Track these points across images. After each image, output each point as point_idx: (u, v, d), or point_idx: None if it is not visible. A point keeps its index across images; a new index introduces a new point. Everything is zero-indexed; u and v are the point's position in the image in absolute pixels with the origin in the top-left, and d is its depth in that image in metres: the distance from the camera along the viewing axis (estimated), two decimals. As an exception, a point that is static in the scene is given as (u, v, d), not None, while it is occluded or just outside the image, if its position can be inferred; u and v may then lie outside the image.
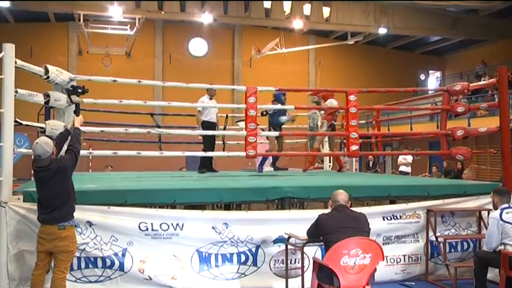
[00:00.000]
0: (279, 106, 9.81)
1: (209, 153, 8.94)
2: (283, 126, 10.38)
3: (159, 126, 10.53)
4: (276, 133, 9.31)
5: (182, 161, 16.94)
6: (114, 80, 7.32)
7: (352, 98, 8.19)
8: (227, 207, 7.70)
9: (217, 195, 6.63)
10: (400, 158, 17.98)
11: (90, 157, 18.17)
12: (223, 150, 10.12)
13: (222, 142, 10.51)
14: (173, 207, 6.65)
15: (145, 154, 7.57)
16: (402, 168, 17.75)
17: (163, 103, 9.12)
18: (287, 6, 23.64)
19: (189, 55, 27.86)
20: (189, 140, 11.77)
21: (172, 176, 9.59)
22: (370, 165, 19.50)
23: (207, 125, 9.46)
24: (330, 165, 12.96)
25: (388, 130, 20.99)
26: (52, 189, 5.05)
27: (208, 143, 9.55)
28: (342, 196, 5.28)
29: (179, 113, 12.11)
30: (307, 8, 23.73)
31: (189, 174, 10.26)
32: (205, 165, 9.91)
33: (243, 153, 7.79)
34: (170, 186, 6.97)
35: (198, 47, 28.12)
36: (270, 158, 11.95)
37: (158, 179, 8.74)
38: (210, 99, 9.58)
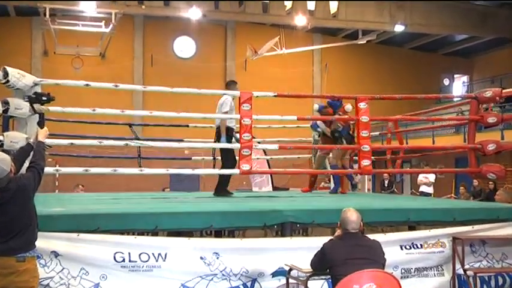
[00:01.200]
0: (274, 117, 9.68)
1: (200, 171, 8.92)
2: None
3: (138, 139, 10.50)
4: (275, 146, 9.29)
5: (165, 180, 16.90)
6: (87, 85, 7.32)
7: (362, 105, 8.21)
8: (218, 234, 7.64)
9: (206, 219, 6.59)
10: (421, 177, 17.95)
11: (57, 175, 18.13)
12: (213, 167, 10.10)
13: (212, 158, 10.51)
14: (155, 234, 6.60)
15: (123, 172, 7.54)
16: (423, 188, 17.74)
17: (144, 112, 9.14)
18: (288, -1, 23.83)
19: (173, 56, 27.94)
20: (174, 155, 11.75)
21: (154, 198, 9.54)
22: (386, 185, 19.49)
23: (232, 134, 9.07)
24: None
25: (406, 144, 21.05)
26: (10, 214, 4.94)
27: (233, 158, 9.03)
28: (352, 218, 5.24)
29: (162, 123, 12.12)
30: (311, 2, 23.75)
31: (174, 195, 10.22)
32: (226, 185, 9.51)
33: (237, 170, 7.76)
34: (151, 209, 6.93)
35: (184, 47, 28.23)
36: (268, 177, 11.95)
37: (137, 201, 8.70)
38: (233, 98, 9.16)
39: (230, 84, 9.46)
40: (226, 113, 8.93)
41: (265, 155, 12.02)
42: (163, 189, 15.01)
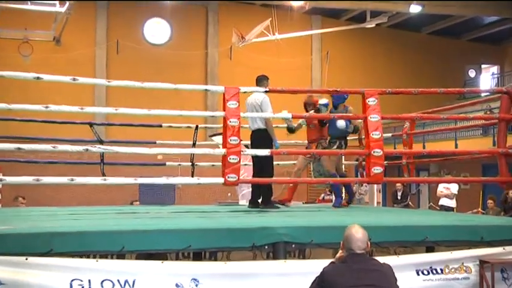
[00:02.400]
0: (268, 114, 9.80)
1: (176, 180, 8.88)
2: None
3: (101, 142, 10.47)
4: (265, 151, 9.29)
5: (134, 191, 16.85)
6: (37, 77, 7.28)
7: (371, 101, 8.21)
8: (197, 256, 7.62)
9: (183, 239, 6.57)
10: (441, 188, 18.03)
11: (0, 185, 18.02)
12: (192, 176, 10.08)
13: (191, 164, 10.49)
14: (121, 256, 6.57)
15: (82, 181, 7.50)
16: (444, 201, 17.81)
17: (108, 109, 9.10)
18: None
19: (144, 42, 27.95)
20: (144, 160, 11.72)
21: (120, 213, 9.51)
22: (399, 197, 19.55)
23: (267, 135, 9.38)
24: (342, 197, 12.94)
25: (424, 147, 21.13)
26: None
27: (272, 164, 9.51)
28: (358, 236, 5.22)
29: (130, 123, 12.08)
30: (309, -23, 23.99)
31: (144, 209, 10.18)
32: (270, 196, 9.80)
33: (221, 180, 7.75)
34: (117, 226, 6.90)
35: (157, 31, 28.24)
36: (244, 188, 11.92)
37: (100, 217, 8.66)
38: (267, 92, 9.41)
39: (262, 80, 9.54)
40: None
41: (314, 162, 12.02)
42: (132, 202, 14.96)
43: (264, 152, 8.89)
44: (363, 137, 9.64)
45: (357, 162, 12.13)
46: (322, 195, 21.59)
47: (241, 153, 7.97)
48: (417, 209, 21.98)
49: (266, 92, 8.65)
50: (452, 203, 17.76)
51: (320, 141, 10.88)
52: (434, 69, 30.31)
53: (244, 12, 27.18)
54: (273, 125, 9.58)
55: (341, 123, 10.25)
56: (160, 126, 11.35)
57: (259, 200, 9.81)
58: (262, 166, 9.49)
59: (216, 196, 19.52)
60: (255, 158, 9.53)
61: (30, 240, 6.10)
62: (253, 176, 9.68)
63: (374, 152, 8.17)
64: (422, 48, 30.86)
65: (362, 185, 20.26)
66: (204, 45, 28.61)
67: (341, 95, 10.37)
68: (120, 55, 27.11)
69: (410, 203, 20.01)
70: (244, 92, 8.03)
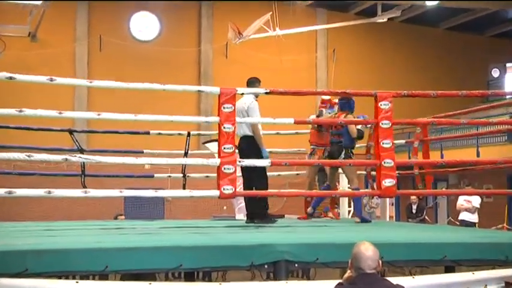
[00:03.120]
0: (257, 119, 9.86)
1: (166, 193, 8.89)
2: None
3: (82, 150, 10.48)
4: (266, 162, 9.30)
5: (119, 204, 16.85)
6: (10, 77, 7.29)
7: (384, 105, 8.23)
8: (189, 276, 7.61)
9: (173, 257, 6.57)
10: (461, 200, 18.04)
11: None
12: (184, 188, 10.09)
13: (182, 175, 10.52)
14: (104, 277, 6.57)
15: (61, 194, 7.50)
16: (464, 215, 17.81)
17: (90, 114, 9.11)
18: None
19: (130, 38, 27.96)
20: (130, 171, 11.74)
21: (104, 228, 9.51)
22: (414, 211, 19.54)
23: (254, 142, 9.60)
24: (350, 211, 12.99)
25: (441, 156, 21.11)
26: None
27: (265, 174, 9.69)
28: (368, 254, 5.22)
29: (114, 129, 12.09)
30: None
31: (130, 224, 10.19)
32: (266, 209, 9.92)
33: (215, 192, 7.75)
34: (99, 244, 6.90)
35: (144, 26, 28.26)
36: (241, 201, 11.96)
37: (80, 233, 8.66)
38: (257, 97, 9.70)
39: (254, 82, 9.70)
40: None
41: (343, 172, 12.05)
42: (116, 217, 14.97)
43: (263, 163, 8.91)
44: (372, 144, 9.66)
45: (365, 172, 12.14)
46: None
47: (238, 163, 7.98)
48: (434, 224, 21.96)
49: (267, 93, 8.65)
50: (473, 218, 17.75)
51: (327, 147, 11.03)
52: (453, 69, 30.33)
53: (242, 5, 27.19)
54: (269, 132, 9.68)
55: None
56: (148, 133, 11.37)
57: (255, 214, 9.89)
58: (252, 177, 9.61)
59: (210, 210, 19.46)
60: (244, 168, 9.61)
61: (1, 259, 6.10)
62: (244, 188, 9.73)
63: (385, 162, 8.18)
64: (440, 45, 30.87)
65: (373, 197, 20.27)
66: (196, 41, 28.64)
67: (348, 103, 10.53)
68: (103, 52, 27.12)
69: (426, 217, 20.00)
70: (242, 94, 8.04)
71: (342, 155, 10.60)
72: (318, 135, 11.47)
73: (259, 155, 9.36)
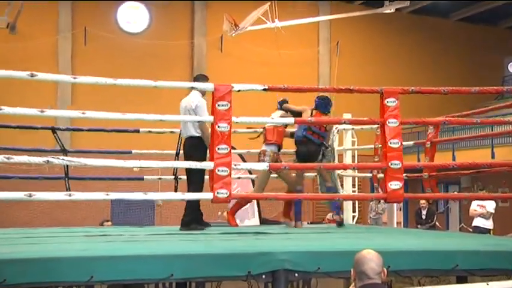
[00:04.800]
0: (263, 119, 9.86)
1: (156, 196, 8.90)
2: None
3: (65, 151, 10.48)
4: (263, 165, 9.31)
5: (105, 209, 16.89)
6: (-12, 72, 7.30)
7: (391, 102, 8.24)
8: (181, 287, 7.61)
9: (164, 267, 6.58)
10: (475, 205, 18.04)
11: None
12: (175, 191, 10.11)
13: (173, 178, 10.53)
14: (89, 288, 6.58)
15: (42, 197, 7.50)
16: (478, 221, 17.81)
17: (74, 112, 9.09)
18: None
19: (117, 31, 27.94)
20: (118, 173, 11.74)
21: (89, 235, 9.51)
22: (423, 216, 19.56)
23: (201, 144, 9.60)
24: (354, 216, 12.99)
25: (453, 158, 21.14)
26: None
27: (201, 177, 9.66)
28: (371, 264, 5.24)
29: (100, 128, 12.10)
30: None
31: (117, 231, 10.19)
32: (198, 216, 9.96)
33: (209, 195, 7.76)
34: (84, 252, 6.90)
35: (133, 17, 28.25)
36: (253, 205, 11.97)
37: (64, 240, 8.66)
38: (203, 95, 9.79)
39: (199, 79, 9.74)
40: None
41: (250, 173, 12.05)
42: (102, 223, 14.96)
43: (261, 166, 8.92)
44: (379, 145, 9.68)
45: (371, 175, 12.16)
46: (330, 214, 21.60)
47: (234, 166, 7.98)
48: (446, 230, 22.00)
49: (265, 90, 8.66)
50: (488, 224, 17.75)
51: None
52: (466, 64, 30.37)
53: (238, -5, 27.23)
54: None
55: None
56: (138, 131, 11.37)
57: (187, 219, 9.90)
58: (190, 178, 9.63)
59: (204, 215, 19.49)
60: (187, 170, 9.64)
61: (-22, 269, 6.10)
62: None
63: (392, 164, 8.18)
64: (451, 38, 30.90)
65: (379, 202, 20.29)
66: (189, 34, 28.63)
67: (325, 104, 10.57)
68: (89, 46, 27.09)
69: (437, 223, 20.01)
70: (239, 91, 8.03)
71: (320, 157, 10.68)
72: (277, 134, 11.23)
73: (204, 157, 9.34)
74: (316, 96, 10.82)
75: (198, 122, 9.43)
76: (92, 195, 7.75)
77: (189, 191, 9.45)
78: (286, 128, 11.11)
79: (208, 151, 9.29)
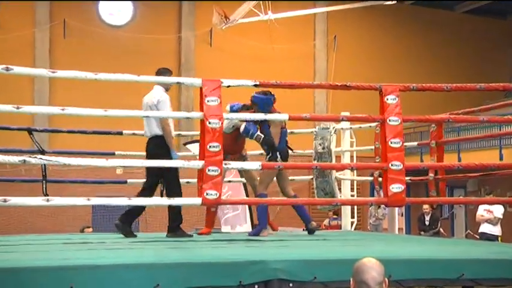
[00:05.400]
0: (258, 116, 9.81)
1: (140, 201, 8.89)
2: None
3: (43, 152, 10.45)
4: (256, 164, 9.30)
5: (86, 214, 16.89)
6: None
7: (391, 99, 8.24)
8: (167, 299, 7.57)
9: (149, 276, 6.56)
10: (481, 210, 18.06)
11: None
12: (161, 195, 10.09)
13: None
14: (68, 300, 6.55)
15: (18, 202, 7.48)
16: (485, 227, 17.83)
17: (52, 109, 9.08)
18: None
19: (99, 23, 27.91)
20: (100, 176, 11.71)
21: (68, 243, 9.49)
22: (426, 222, 19.56)
23: (164, 145, 9.57)
24: (353, 222, 12.99)
25: (459, 159, 21.15)
26: None
27: (177, 179, 9.70)
28: (369, 265, 5.23)
29: (81, 129, 12.07)
30: None
31: (99, 238, 10.17)
32: (179, 221, 9.92)
33: (197, 200, 7.75)
34: (63, 261, 6.88)
35: (116, 9, 28.22)
36: (245, 209, 11.95)
37: (41, 249, 8.63)
38: (167, 90, 9.76)
39: (162, 73, 9.68)
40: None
41: (241, 176, 12.03)
42: (83, 230, 14.95)
43: (254, 165, 8.90)
44: (378, 145, 9.68)
45: (371, 178, 12.17)
46: (326, 220, 21.62)
47: (224, 165, 7.97)
48: (451, 237, 22.03)
49: (256, 86, 8.65)
50: (496, 230, 17.77)
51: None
52: (471, 59, 30.41)
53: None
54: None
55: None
56: (121, 134, 11.35)
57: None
58: (167, 182, 9.64)
59: (192, 221, 19.44)
60: (153, 171, 9.63)
61: None
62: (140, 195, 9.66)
63: (392, 165, 8.18)
64: (456, 31, 30.93)
65: (379, 207, 20.30)
66: (176, 27, 28.62)
67: (266, 97, 10.29)
68: (68, 39, 27.06)
69: (441, 230, 20.00)
70: (228, 86, 8.02)
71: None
72: (233, 140, 11.03)
73: (169, 158, 9.36)
74: (256, 92, 10.14)
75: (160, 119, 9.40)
76: (72, 200, 7.72)
77: (168, 194, 9.47)
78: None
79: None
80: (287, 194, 10.45)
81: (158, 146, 9.53)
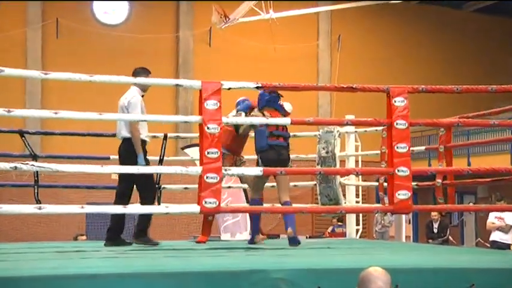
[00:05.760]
0: (257, 119, 9.79)
1: (136, 208, 8.88)
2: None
3: (35, 156, 10.45)
4: (257, 170, 9.31)
5: (80, 222, 16.88)
6: None
7: (399, 102, 8.23)
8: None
9: (145, 286, 6.56)
10: (492, 218, 18.04)
11: None
12: (158, 203, 10.09)
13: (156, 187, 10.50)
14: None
15: (9, 210, 7.47)
16: (496, 235, 17.80)
17: (45, 112, 9.08)
18: None
19: (93, 23, 27.89)
20: (94, 181, 11.70)
21: (61, 251, 9.48)
22: (435, 230, 19.55)
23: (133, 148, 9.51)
24: (358, 230, 12.99)
25: (468, 164, 21.13)
26: None
27: (151, 186, 9.69)
28: (376, 275, 5.22)
29: (75, 131, 12.08)
30: None
31: (93, 246, 10.16)
32: (144, 230, 9.85)
33: (195, 207, 7.74)
34: (56, 270, 6.87)
35: (111, 8, 28.20)
36: (245, 217, 11.95)
37: (33, 257, 8.63)
38: (144, 91, 9.71)
39: (140, 73, 9.63)
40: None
41: (242, 182, 12.03)
42: (76, 237, 14.97)
43: (255, 171, 8.88)
44: (385, 150, 9.66)
45: (377, 184, 12.15)
46: (330, 228, 21.59)
47: (224, 171, 7.96)
48: (460, 246, 22.01)
49: (257, 88, 8.65)
50: (507, 239, 17.74)
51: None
52: (482, 59, 30.39)
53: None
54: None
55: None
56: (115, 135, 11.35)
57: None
58: (140, 188, 9.58)
59: (190, 229, 19.40)
60: (124, 175, 9.58)
61: None
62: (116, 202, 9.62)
63: (398, 170, 8.17)
64: (465, 30, 30.93)
65: (385, 214, 20.28)
66: (174, 26, 28.61)
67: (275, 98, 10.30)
68: (61, 39, 27.05)
69: (450, 238, 20.02)
70: (229, 89, 8.02)
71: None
72: (233, 138, 11.03)
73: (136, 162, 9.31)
74: (264, 91, 10.11)
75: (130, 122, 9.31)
76: (65, 208, 7.74)
77: (141, 199, 9.46)
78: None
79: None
80: (279, 200, 10.39)
81: (126, 150, 9.48)
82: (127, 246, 9.62)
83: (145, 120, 9.53)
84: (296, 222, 10.59)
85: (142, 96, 9.62)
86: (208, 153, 7.71)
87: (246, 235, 12.75)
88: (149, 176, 9.49)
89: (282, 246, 10.20)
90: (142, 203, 9.41)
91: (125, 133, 9.50)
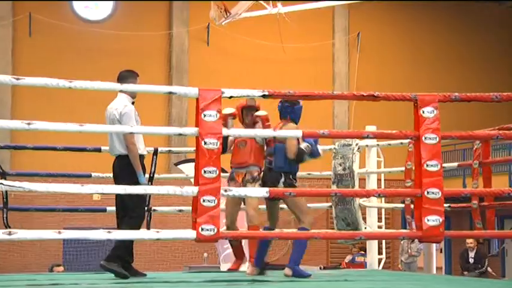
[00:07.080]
0: (282, 133, 9.82)
1: (122, 234, 8.91)
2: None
3: (4, 174, 10.49)
4: (262, 191, 9.32)
5: (56, 250, 16.93)
6: None
7: (428, 112, 8.25)
8: None
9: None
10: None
11: None
12: (148, 227, 10.13)
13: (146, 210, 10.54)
14: None
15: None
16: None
17: (16, 123, 9.10)
18: None
19: (73, 18, 28.00)
20: (73, 203, 11.73)
21: (34, 285, 9.52)
22: (471, 260, 19.58)
23: (129, 166, 9.60)
24: (381, 259, 12.99)
25: (510, 183, 21.13)
26: None
27: (141, 206, 9.76)
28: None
29: (51, 145, 12.10)
30: None
31: (71, 279, 10.20)
32: (126, 256, 9.84)
33: (191, 233, 7.77)
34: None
35: (92, 1, 28.28)
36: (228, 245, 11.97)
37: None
38: (133, 103, 9.74)
39: (127, 78, 9.70)
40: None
41: (244, 203, 12.06)
42: (52, 269, 15.00)
43: (261, 192, 8.90)
44: (411, 165, 9.67)
45: (403, 206, 12.15)
46: (348, 257, 21.58)
47: (224, 192, 7.97)
48: (501, 279, 21.98)
49: (264, 97, 8.64)
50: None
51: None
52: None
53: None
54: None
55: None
56: (99, 150, 11.37)
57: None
58: (127, 207, 9.64)
59: (185, 258, 19.42)
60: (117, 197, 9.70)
61: None
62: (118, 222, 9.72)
63: (428, 192, 8.17)
64: (503, 29, 30.97)
65: (413, 241, 20.27)
66: (166, 22, 28.72)
67: (292, 108, 10.30)
68: (35, 38, 27.15)
69: (489, 269, 20.02)
70: (231, 97, 8.03)
71: (281, 183, 10.16)
72: (238, 153, 11.08)
73: (134, 180, 9.36)
74: (285, 100, 10.29)
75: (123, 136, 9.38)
76: (39, 233, 7.74)
77: (130, 223, 9.48)
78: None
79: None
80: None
81: (123, 168, 9.56)
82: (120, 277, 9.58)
83: (137, 133, 9.56)
84: (309, 251, 10.62)
85: (133, 103, 9.68)
86: (205, 172, 7.66)
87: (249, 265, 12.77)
88: (140, 198, 9.54)
89: (291, 279, 10.23)
90: (128, 221, 9.44)
91: (120, 149, 9.56)
